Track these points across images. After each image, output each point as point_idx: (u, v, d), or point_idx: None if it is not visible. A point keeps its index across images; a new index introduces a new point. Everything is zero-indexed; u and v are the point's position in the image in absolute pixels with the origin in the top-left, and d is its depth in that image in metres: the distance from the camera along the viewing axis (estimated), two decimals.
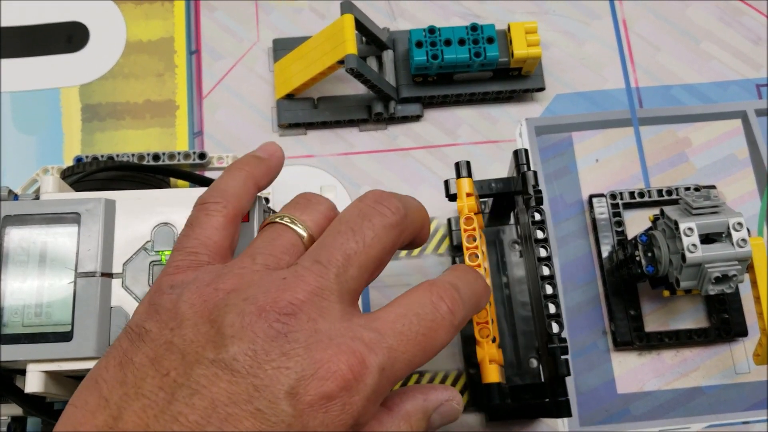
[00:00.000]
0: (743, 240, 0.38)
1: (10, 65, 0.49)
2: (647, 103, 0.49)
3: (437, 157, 0.48)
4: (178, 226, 0.32)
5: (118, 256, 0.32)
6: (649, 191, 0.46)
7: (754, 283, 0.40)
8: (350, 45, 0.43)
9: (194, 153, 0.40)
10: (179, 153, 0.40)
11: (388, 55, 0.48)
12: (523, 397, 0.36)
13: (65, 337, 0.30)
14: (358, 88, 0.49)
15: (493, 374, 0.33)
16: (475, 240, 0.35)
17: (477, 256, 0.35)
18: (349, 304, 0.25)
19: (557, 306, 0.35)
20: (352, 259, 0.25)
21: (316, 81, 0.46)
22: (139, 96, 0.49)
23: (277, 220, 0.28)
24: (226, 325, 0.23)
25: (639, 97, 0.49)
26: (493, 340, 0.34)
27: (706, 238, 0.39)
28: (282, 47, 0.49)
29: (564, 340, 0.34)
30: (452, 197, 0.38)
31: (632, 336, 0.44)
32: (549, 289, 0.35)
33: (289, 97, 0.48)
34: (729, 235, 0.38)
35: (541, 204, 0.36)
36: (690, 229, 0.38)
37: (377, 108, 0.47)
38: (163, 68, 0.50)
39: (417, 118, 0.49)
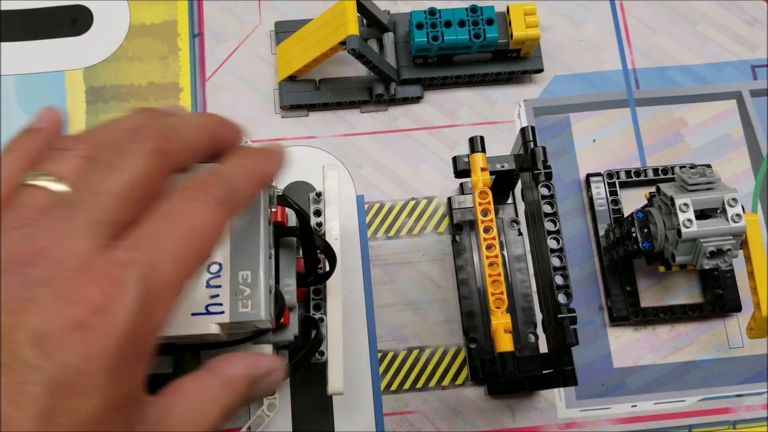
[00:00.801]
0: (737, 215, 0.39)
1: (14, 48, 0.50)
2: (644, 84, 0.50)
3: (437, 138, 0.49)
4: None
5: None
6: (645, 170, 0.47)
7: (748, 259, 0.41)
8: (352, 26, 0.44)
9: None
10: None
11: (388, 38, 0.49)
12: (527, 368, 0.37)
13: None
14: (359, 70, 0.50)
15: (507, 343, 0.35)
16: (488, 214, 0.36)
17: (491, 229, 0.36)
18: (105, 237, 0.23)
19: (566, 278, 0.36)
20: (103, 191, 0.23)
21: (318, 63, 0.47)
22: (143, 78, 0.50)
23: (29, 181, 0.25)
24: None
25: (636, 79, 0.50)
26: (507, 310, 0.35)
27: (701, 214, 0.40)
28: (284, 30, 0.50)
29: (573, 311, 0.35)
30: (460, 174, 0.39)
31: (628, 312, 0.45)
32: (557, 262, 0.36)
33: (291, 79, 0.49)
34: (724, 211, 0.39)
35: (551, 179, 0.37)
36: (685, 204, 0.39)
37: (378, 89, 0.48)
38: (166, 51, 0.50)
39: (417, 99, 0.49)
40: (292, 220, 0.39)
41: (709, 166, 0.47)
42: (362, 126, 0.49)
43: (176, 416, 0.25)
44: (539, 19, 0.47)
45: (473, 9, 0.46)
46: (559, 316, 0.35)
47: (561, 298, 0.36)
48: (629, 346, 0.45)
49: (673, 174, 0.47)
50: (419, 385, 0.44)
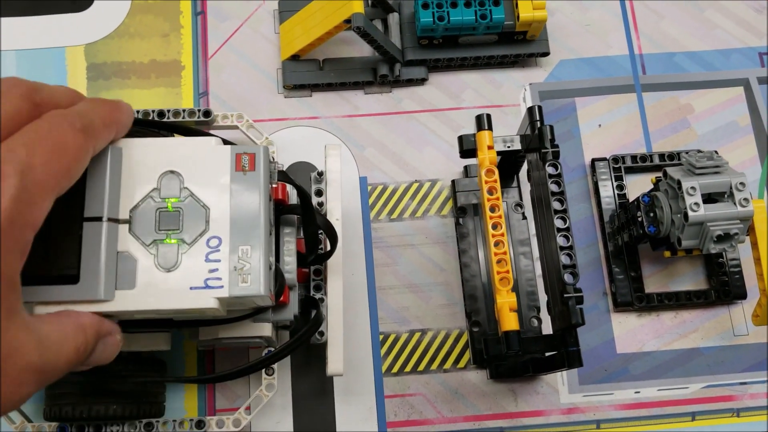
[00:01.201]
0: (745, 199, 0.39)
1: (15, 24, 0.49)
2: (650, 69, 0.49)
3: (441, 120, 0.48)
4: (184, 174, 0.33)
5: (125, 202, 0.32)
6: (650, 156, 0.47)
7: (754, 245, 0.40)
8: (357, 4, 0.43)
9: (199, 110, 0.40)
10: (184, 110, 0.40)
11: (393, 18, 0.48)
12: (531, 348, 0.36)
13: (72, 279, 0.30)
14: (363, 51, 0.49)
15: (512, 322, 0.34)
16: (494, 192, 0.36)
17: (497, 208, 0.35)
18: None
19: (572, 257, 0.35)
20: None
21: (322, 41, 0.47)
22: (145, 56, 0.49)
23: None
24: None
25: (642, 64, 0.50)
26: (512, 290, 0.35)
27: (709, 198, 0.39)
28: (288, 9, 0.49)
29: (579, 290, 0.35)
30: (465, 153, 0.38)
31: (632, 297, 0.44)
32: (564, 241, 0.36)
33: (295, 58, 0.48)
34: (731, 195, 0.39)
35: (558, 158, 0.37)
36: (693, 188, 0.39)
37: (382, 70, 0.48)
38: (168, 29, 0.50)
39: (422, 81, 0.49)
40: (293, 199, 0.39)
41: (716, 152, 0.47)
42: (366, 107, 0.48)
43: (44, 332, 0.27)
44: (546, 2, 0.46)
45: None
46: (565, 295, 0.35)
47: (567, 277, 0.35)
48: (633, 332, 0.45)
49: (679, 160, 0.46)
50: (421, 367, 0.44)
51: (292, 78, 0.48)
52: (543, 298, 0.42)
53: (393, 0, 0.48)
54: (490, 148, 0.37)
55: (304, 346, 0.40)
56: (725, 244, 0.39)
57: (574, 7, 0.51)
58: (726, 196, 0.39)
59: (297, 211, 0.37)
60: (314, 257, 0.39)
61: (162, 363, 0.40)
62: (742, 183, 0.39)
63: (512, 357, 0.39)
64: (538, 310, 0.43)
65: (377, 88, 0.49)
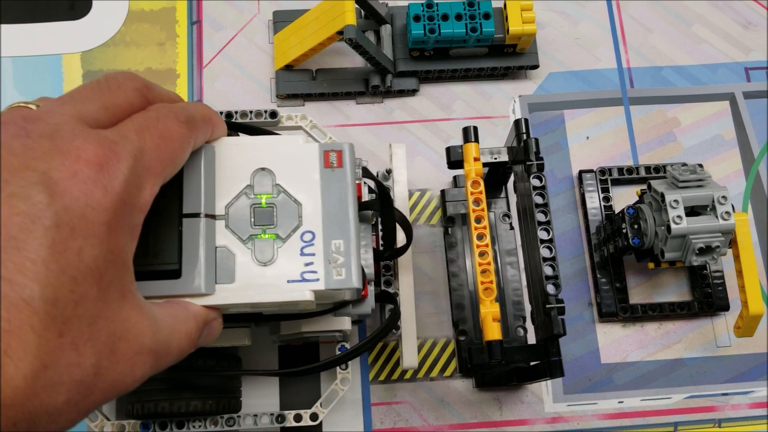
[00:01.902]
0: (727, 213, 0.39)
1: (12, 31, 0.50)
2: (638, 83, 0.50)
3: (432, 131, 0.49)
4: (276, 171, 0.33)
5: (220, 199, 0.33)
6: (637, 168, 0.47)
7: (736, 258, 0.41)
8: (350, 16, 0.44)
9: (266, 112, 0.41)
10: (251, 112, 0.41)
11: (386, 30, 0.49)
12: (514, 358, 0.37)
13: (174, 274, 0.31)
14: (356, 61, 0.50)
15: (495, 332, 0.35)
16: (480, 204, 0.36)
17: (482, 219, 0.36)
18: (91, 125, 0.26)
19: (554, 268, 0.36)
20: (87, 101, 0.27)
21: (315, 52, 0.47)
22: (140, 64, 0.50)
23: (15, 104, 0.28)
24: None
25: (630, 77, 0.50)
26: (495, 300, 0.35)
27: (692, 211, 0.40)
28: (282, 19, 0.50)
29: (561, 301, 0.35)
30: (453, 165, 0.39)
31: (617, 308, 0.45)
32: (547, 253, 0.36)
33: (288, 68, 0.49)
34: (713, 208, 0.40)
35: (542, 170, 0.37)
36: (676, 201, 0.39)
37: (374, 81, 0.48)
38: (164, 37, 0.50)
39: (413, 92, 0.50)
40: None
41: (700, 165, 0.48)
42: (358, 117, 0.49)
43: (158, 316, 0.27)
44: (536, 16, 0.47)
45: (470, 3, 0.47)
46: (547, 306, 0.36)
47: (550, 288, 0.36)
48: (617, 342, 0.45)
49: (664, 173, 0.47)
50: (407, 376, 0.44)
51: (285, 87, 0.49)
52: (529, 307, 0.43)
53: (385, 12, 0.49)
54: (476, 159, 0.38)
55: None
56: (707, 257, 0.40)
57: (564, 21, 0.52)
58: (708, 209, 0.40)
59: (374, 207, 0.38)
60: (390, 252, 0.39)
61: (238, 358, 0.40)
62: (724, 197, 0.40)
63: (496, 366, 0.40)
64: (524, 319, 0.44)
65: (369, 99, 0.50)
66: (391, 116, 0.49)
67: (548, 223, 0.37)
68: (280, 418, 0.39)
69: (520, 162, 0.39)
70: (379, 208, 0.37)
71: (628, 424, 0.44)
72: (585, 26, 0.51)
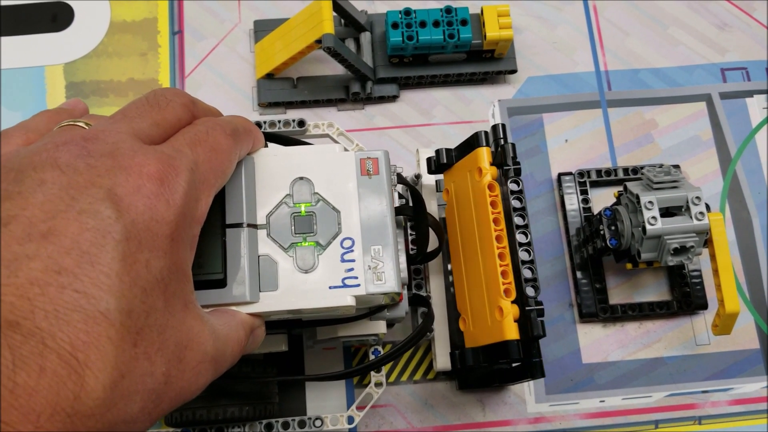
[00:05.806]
0: (701, 213, 0.40)
1: None
2: (616, 85, 0.51)
3: (413, 136, 0.50)
4: (314, 180, 0.34)
5: (261, 209, 0.33)
6: (615, 170, 0.48)
7: (712, 257, 0.41)
8: (327, 25, 0.45)
9: (293, 120, 0.41)
10: (279, 121, 0.41)
11: (365, 37, 0.49)
12: (496, 358, 0.37)
13: (219, 284, 0.31)
14: (336, 69, 0.50)
15: (515, 332, 0.35)
16: (497, 206, 0.37)
17: (499, 221, 0.36)
18: (145, 141, 0.27)
19: (533, 271, 0.36)
20: (140, 119, 0.28)
21: (296, 60, 0.48)
22: (123, 75, 0.50)
23: (65, 124, 0.29)
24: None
25: (608, 80, 0.51)
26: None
27: (666, 212, 0.41)
28: (263, 28, 0.50)
29: (540, 303, 0.36)
30: (438, 168, 0.40)
31: (597, 308, 0.46)
32: (525, 256, 0.37)
33: (270, 76, 0.49)
34: (688, 209, 0.40)
35: (519, 175, 0.38)
36: (650, 202, 0.40)
37: (355, 88, 0.49)
38: (146, 48, 0.51)
39: (393, 98, 0.50)
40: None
41: (677, 166, 0.48)
42: (339, 124, 0.49)
43: (215, 325, 0.28)
44: (513, 21, 0.48)
45: (448, 10, 0.47)
46: (526, 308, 0.36)
47: (529, 291, 0.36)
48: (598, 342, 0.46)
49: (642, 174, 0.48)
50: (391, 378, 0.45)
51: (267, 96, 0.49)
52: None
53: (365, 20, 0.49)
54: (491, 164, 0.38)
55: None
56: (682, 257, 0.41)
57: (542, 25, 0.52)
58: (683, 209, 0.41)
59: (406, 212, 0.38)
60: (422, 256, 0.40)
61: (273, 365, 0.41)
62: (698, 197, 0.40)
63: (478, 368, 0.40)
64: None
65: (350, 105, 0.50)
66: (372, 122, 0.50)
67: (526, 226, 0.37)
68: (319, 421, 0.40)
69: (498, 166, 0.39)
70: (412, 213, 0.38)
71: (609, 423, 0.44)
72: (562, 30, 0.52)
